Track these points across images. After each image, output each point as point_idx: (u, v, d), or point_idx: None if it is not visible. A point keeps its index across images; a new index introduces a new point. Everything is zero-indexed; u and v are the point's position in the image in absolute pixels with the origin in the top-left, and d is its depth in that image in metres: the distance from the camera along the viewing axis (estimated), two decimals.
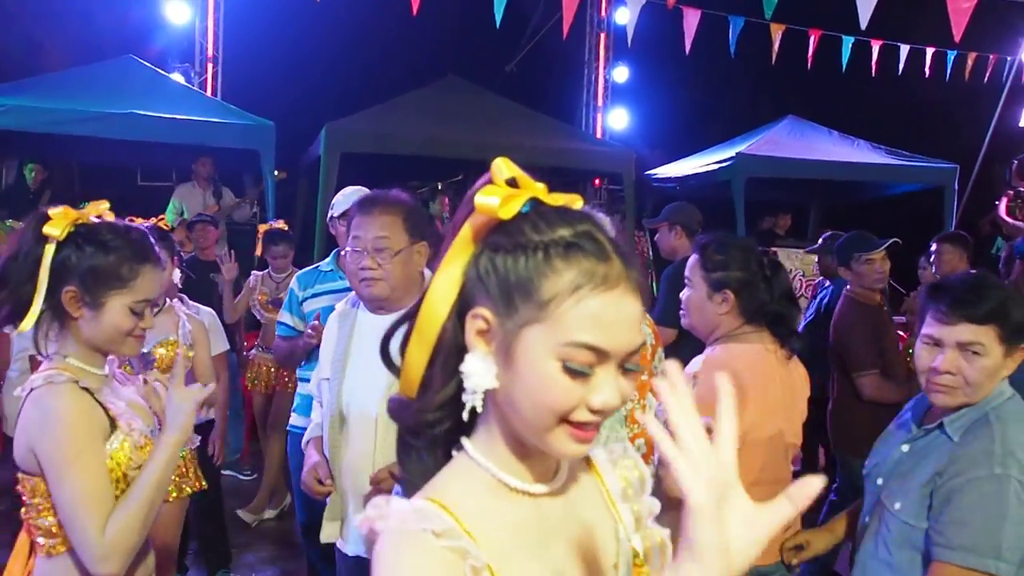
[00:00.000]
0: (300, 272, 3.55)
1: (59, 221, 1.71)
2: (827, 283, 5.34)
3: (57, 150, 8.00)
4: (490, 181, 0.88)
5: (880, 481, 1.96)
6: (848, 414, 3.90)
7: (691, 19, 9.00)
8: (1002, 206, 9.01)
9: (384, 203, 2.34)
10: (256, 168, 7.75)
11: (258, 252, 5.70)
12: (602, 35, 10.75)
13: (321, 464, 2.36)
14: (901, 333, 4.74)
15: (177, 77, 8.64)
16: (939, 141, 9.65)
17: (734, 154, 8.89)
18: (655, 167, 10.55)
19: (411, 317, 0.94)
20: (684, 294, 2.35)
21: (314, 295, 3.37)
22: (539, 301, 0.85)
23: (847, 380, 3.89)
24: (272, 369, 5.19)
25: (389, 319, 2.11)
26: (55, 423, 1.65)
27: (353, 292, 2.45)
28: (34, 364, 2.69)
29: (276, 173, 7.82)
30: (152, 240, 1.83)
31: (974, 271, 2.25)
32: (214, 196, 7.90)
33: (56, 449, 1.64)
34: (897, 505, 1.84)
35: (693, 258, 2.34)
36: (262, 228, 5.64)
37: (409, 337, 0.93)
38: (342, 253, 3.46)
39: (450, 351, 0.90)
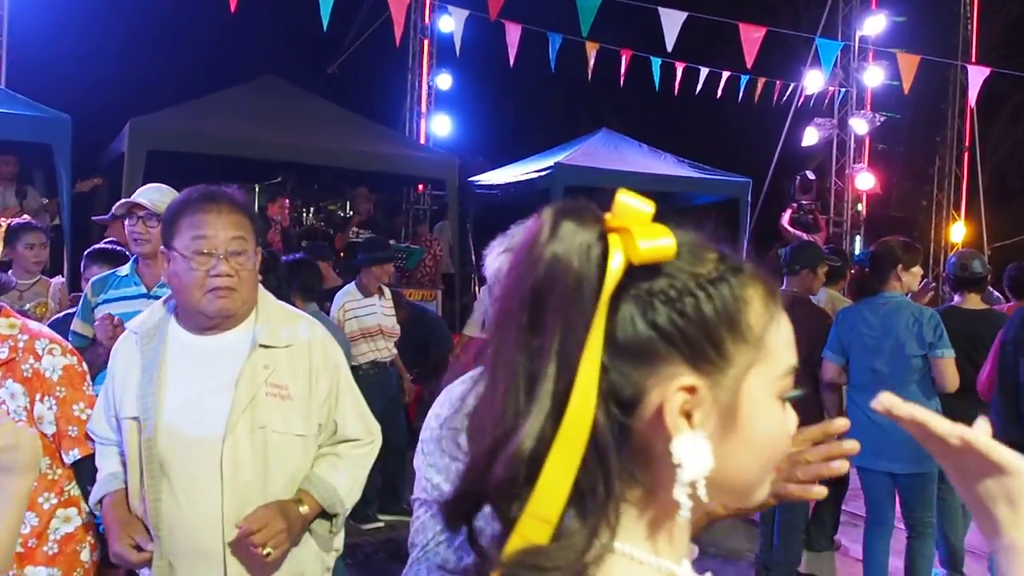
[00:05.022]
0: (95, 277, 3.29)
1: None
2: None
3: None
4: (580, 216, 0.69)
5: None
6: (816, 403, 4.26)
7: (512, 33, 9.24)
8: (785, 217, 9.96)
9: (231, 199, 1.96)
10: (49, 164, 7.11)
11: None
12: (425, 41, 10.79)
13: (134, 524, 1.91)
14: None
15: None
16: (735, 157, 10.49)
17: (553, 164, 9.21)
18: (477, 174, 10.72)
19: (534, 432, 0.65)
20: None
21: (106, 300, 3.13)
22: (753, 338, 0.70)
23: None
24: None
25: (219, 340, 1.95)
26: None
27: (152, 308, 2.05)
28: None
29: (93, 180, 7.22)
30: None
31: None
32: (17, 196, 7.09)
33: None
34: None
35: None
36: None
37: (539, 459, 0.64)
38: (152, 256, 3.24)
39: (599, 453, 0.66)
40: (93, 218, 4.90)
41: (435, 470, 1.48)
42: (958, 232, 13.17)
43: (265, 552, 1.84)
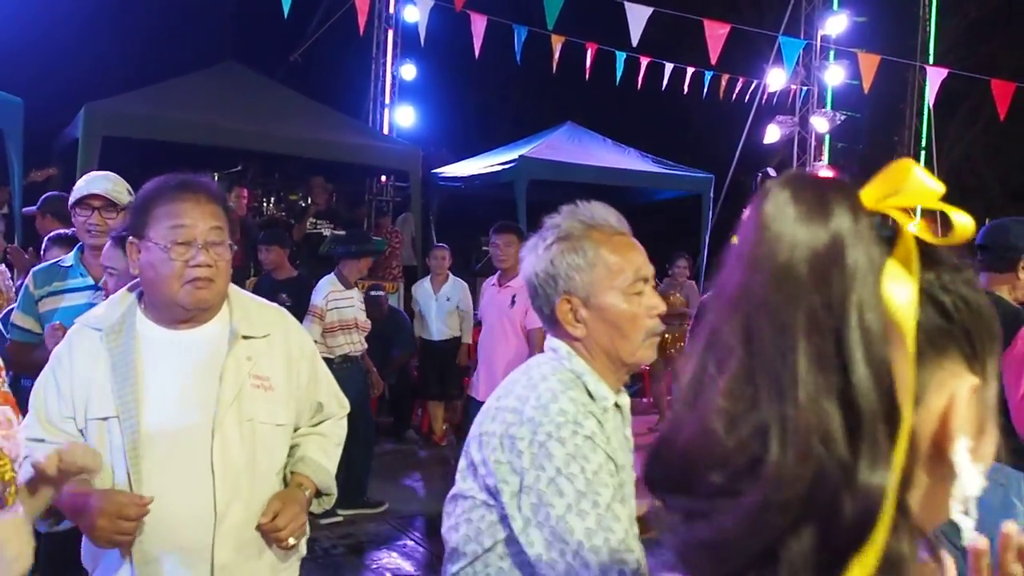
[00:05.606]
0: (37, 268, 3.17)
1: None
2: None
3: None
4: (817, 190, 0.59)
5: None
6: None
7: (478, 24, 9.19)
8: (747, 213, 10.06)
9: (208, 189, 1.92)
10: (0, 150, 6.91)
11: None
12: (390, 31, 10.69)
13: (116, 491, 1.77)
14: None
15: None
16: (698, 153, 10.57)
17: (517, 156, 9.20)
18: (441, 166, 10.67)
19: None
20: (111, 284, 2.46)
21: (52, 293, 3.00)
22: (996, 350, 0.62)
23: None
24: None
25: (195, 334, 1.90)
26: None
27: (111, 302, 1.96)
28: None
29: (48, 170, 7.03)
30: None
31: None
32: None
33: None
34: None
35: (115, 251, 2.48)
36: None
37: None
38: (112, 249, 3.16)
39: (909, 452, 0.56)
40: (23, 210, 4.75)
41: (510, 468, 1.40)
42: (914, 230, 13.43)
43: (291, 543, 1.87)
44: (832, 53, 12.05)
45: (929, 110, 12.89)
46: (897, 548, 0.55)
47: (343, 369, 5.14)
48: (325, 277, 5.41)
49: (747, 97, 11.21)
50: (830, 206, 0.57)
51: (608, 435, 1.46)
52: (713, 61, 9.87)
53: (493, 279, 5.01)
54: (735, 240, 0.62)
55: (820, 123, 11.93)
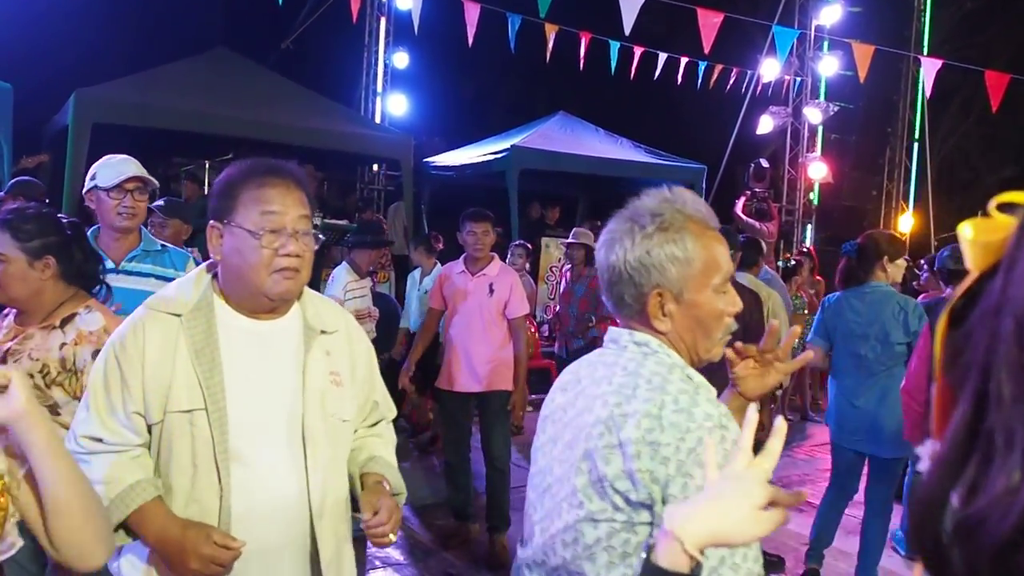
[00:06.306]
0: None
1: None
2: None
3: None
4: None
5: None
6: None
7: (472, 12, 9.16)
8: (739, 204, 10.07)
9: (296, 176, 1.83)
10: None
11: None
12: (383, 18, 10.64)
13: (198, 524, 1.71)
14: None
15: None
16: (690, 143, 10.55)
17: (509, 146, 9.19)
18: (433, 155, 10.65)
19: None
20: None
21: None
22: None
23: None
24: None
25: (274, 325, 1.85)
26: None
27: (181, 286, 1.85)
28: None
29: (40, 156, 6.99)
30: None
31: None
32: None
33: None
34: None
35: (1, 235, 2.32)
36: None
37: None
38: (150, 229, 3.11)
39: None
40: None
41: (651, 477, 1.32)
42: (907, 222, 13.47)
43: (392, 539, 1.82)
44: (826, 43, 12.03)
45: (923, 101, 12.89)
46: None
47: None
48: (339, 266, 5.42)
49: (741, 88, 11.20)
50: None
51: None
52: (707, 51, 9.85)
53: (458, 266, 4.68)
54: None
55: (813, 114, 11.93)
